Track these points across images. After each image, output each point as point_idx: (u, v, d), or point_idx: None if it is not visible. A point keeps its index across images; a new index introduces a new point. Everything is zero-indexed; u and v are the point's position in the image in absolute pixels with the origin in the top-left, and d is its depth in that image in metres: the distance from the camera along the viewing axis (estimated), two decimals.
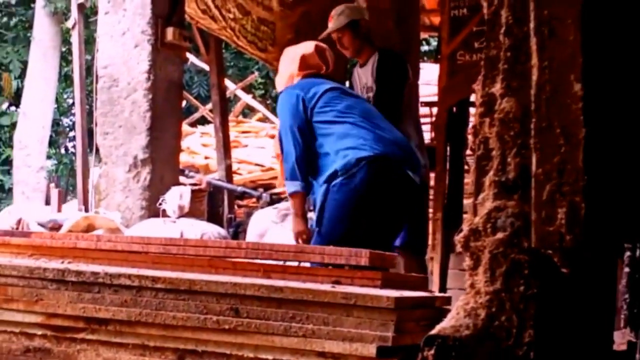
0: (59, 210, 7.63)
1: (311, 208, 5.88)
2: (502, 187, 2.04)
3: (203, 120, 15.24)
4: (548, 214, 1.99)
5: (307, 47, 6.08)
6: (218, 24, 9.03)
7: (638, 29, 2.28)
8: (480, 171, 2.10)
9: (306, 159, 5.50)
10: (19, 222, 7.11)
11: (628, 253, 2.35)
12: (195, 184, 8.34)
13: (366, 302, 3.47)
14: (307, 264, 4.51)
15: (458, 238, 2.14)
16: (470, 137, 2.18)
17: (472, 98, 8.13)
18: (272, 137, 11.72)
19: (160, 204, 7.00)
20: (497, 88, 2.06)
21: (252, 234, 6.66)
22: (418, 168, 5.73)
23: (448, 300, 3.99)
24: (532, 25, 2.00)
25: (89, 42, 14.25)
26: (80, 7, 8.37)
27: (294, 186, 5.51)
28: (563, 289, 2.18)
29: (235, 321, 3.62)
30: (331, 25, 6.78)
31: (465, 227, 2.11)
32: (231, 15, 9.03)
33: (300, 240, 5.59)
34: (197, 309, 3.69)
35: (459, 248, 2.27)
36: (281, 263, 4.24)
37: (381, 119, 5.73)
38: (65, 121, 22.15)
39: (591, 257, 2.09)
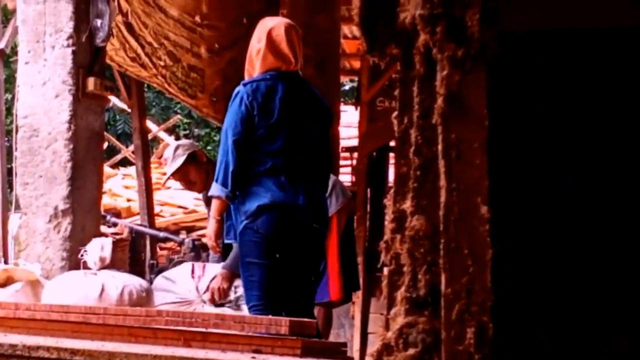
0: None
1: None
2: (413, 303, 2.10)
3: (125, 162, 15.15)
4: (457, 333, 2.05)
5: (278, 23, 5.82)
6: (148, 72, 9.01)
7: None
8: (392, 286, 2.16)
9: (242, 173, 5.50)
10: None
11: None
12: (117, 233, 8.30)
13: None
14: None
15: (371, 352, 2.19)
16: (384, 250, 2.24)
17: (392, 144, 8.25)
18: None
19: (81, 256, 6.95)
20: (407, 205, 2.12)
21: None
22: (324, 220, 5.81)
23: None
24: (440, 147, 2.07)
25: (10, 82, 14.13)
26: (0, 53, 8.31)
27: (221, 192, 5.52)
28: None
29: None
30: (172, 166, 6.89)
31: (378, 342, 2.16)
32: (162, 63, 9.02)
33: (210, 241, 5.66)
34: None
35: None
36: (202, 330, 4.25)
37: (307, 165, 5.73)
38: None
39: None
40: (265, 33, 5.70)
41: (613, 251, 2.72)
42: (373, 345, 8.89)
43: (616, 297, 2.80)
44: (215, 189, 5.55)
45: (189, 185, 7.20)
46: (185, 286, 6.55)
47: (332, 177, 7.51)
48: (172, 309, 6.33)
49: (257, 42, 5.74)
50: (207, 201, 7.09)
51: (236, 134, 5.50)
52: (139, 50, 8.77)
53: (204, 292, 6.34)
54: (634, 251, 2.87)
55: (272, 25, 5.77)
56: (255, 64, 5.72)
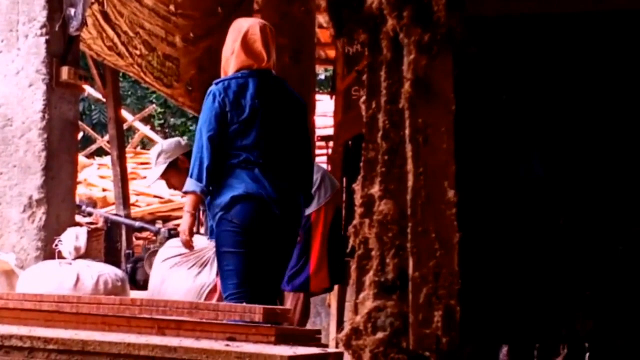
0: None
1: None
2: (381, 287, 2.11)
3: (101, 152, 15.11)
4: (425, 316, 2.06)
5: (253, 24, 6.00)
6: (125, 61, 8.99)
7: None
8: (361, 270, 2.17)
9: (217, 169, 5.61)
10: None
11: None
12: (92, 223, 8.27)
13: None
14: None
15: (340, 337, 2.20)
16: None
17: None
18: None
19: (56, 246, 6.93)
20: (375, 190, 2.13)
21: (154, 281, 6.73)
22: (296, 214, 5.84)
23: (340, 356, 4.05)
24: (407, 132, 2.07)
25: None
26: None
27: (196, 187, 5.63)
28: None
29: None
30: (152, 175, 6.98)
31: (347, 326, 2.17)
32: (138, 52, 9.00)
33: (184, 236, 5.73)
34: None
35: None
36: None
37: (282, 160, 5.77)
38: None
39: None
40: (242, 34, 5.84)
41: (579, 236, 2.74)
42: None
43: (581, 281, 2.83)
44: (190, 184, 5.64)
45: (172, 188, 7.31)
46: (198, 239, 6.58)
47: (321, 170, 7.58)
48: (186, 258, 6.40)
49: (232, 43, 5.89)
50: None
51: (210, 130, 5.61)
52: (116, 40, 8.74)
53: None
54: (599, 237, 2.90)
55: (248, 25, 5.92)
56: (230, 63, 5.85)
